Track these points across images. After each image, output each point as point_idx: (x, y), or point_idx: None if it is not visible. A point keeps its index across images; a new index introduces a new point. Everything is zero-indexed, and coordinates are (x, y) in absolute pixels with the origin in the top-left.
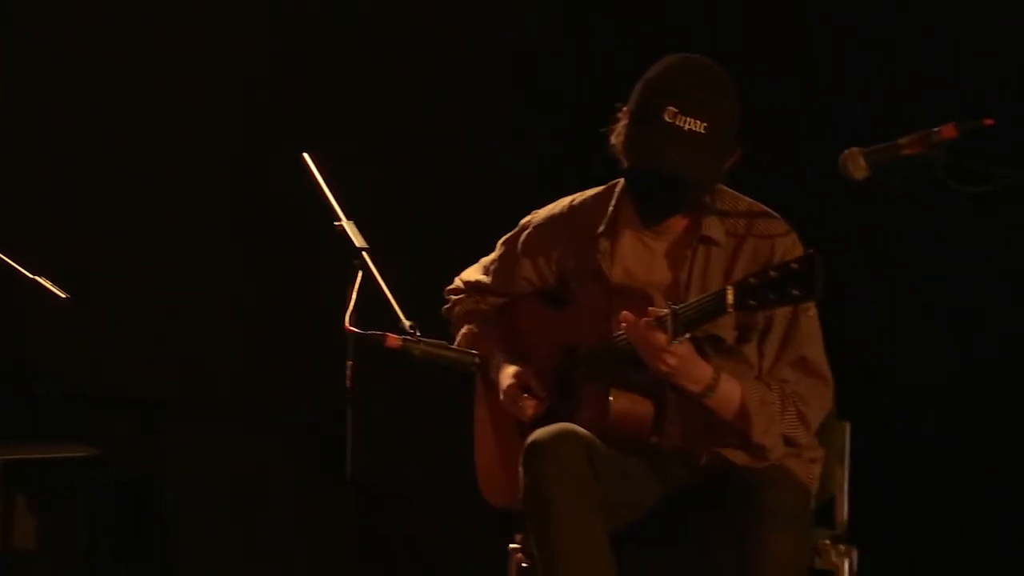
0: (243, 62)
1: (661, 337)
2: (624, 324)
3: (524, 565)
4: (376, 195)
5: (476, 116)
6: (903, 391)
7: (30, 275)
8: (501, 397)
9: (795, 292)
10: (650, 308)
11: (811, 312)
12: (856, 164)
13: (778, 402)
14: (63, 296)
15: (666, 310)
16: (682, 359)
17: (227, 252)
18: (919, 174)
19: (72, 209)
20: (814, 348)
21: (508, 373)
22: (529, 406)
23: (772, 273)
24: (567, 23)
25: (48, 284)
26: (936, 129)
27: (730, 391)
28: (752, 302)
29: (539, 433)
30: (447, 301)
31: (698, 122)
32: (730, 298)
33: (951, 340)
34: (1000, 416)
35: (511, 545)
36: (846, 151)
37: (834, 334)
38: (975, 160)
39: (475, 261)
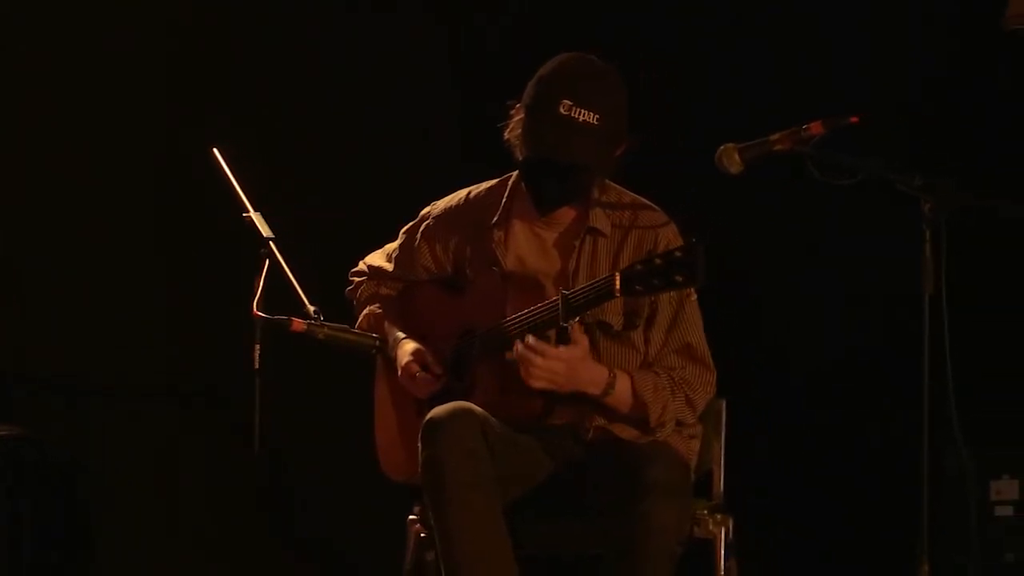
0: (157, 61)
1: (546, 350)
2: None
3: (422, 535)
4: (282, 187)
5: (377, 110)
6: (777, 371)
7: None
8: (399, 374)
9: (679, 278)
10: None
11: (692, 298)
12: (731, 159)
13: (668, 388)
14: None
15: (556, 297)
16: (570, 364)
17: (145, 242)
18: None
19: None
20: (697, 335)
21: (406, 351)
22: (426, 382)
23: (657, 260)
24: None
25: None
26: (805, 126)
27: (625, 387)
28: (638, 287)
29: (436, 411)
30: (351, 283)
31: (592, 114)
32: (617, 284)
33: (823, 323)
34: (864, 395)
35: (410, 517)
36: (721, 147)
37: (714, 318)
38: (841, 155)
39: (377, 249)
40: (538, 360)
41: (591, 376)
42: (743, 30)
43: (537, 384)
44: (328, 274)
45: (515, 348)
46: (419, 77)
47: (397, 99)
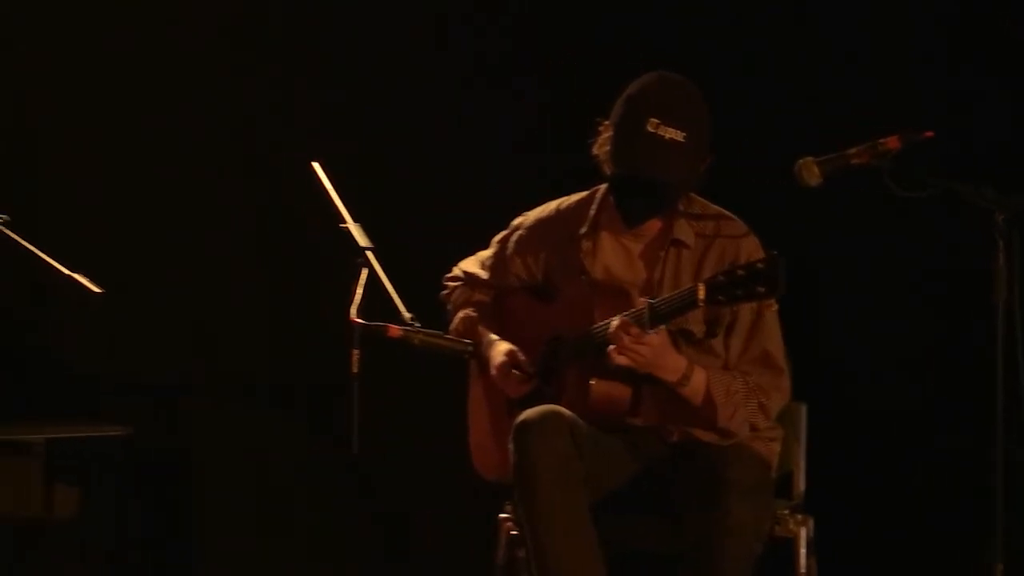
0: (263, 79)
1: (635, 331)
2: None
3: (513, 533)
4: (378, 198)
5: (469, 121)
6: (856, 376)
7: (67, 271)
8: (493, 372)
9: (760, 289)
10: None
11: (773, 308)
12: (810, 172)
13: (742, 392)
14: (97, 291)
15: (643, 304)
16: (655, 350)
17: (247, 251)
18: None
19: (104, 210)
20: (775, 342)
21: (500, 351)
22: (518, 381)
23: (740, 272)
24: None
25: (83, 280)
26: (882, 140)
27: (700, 381)
28: (721, 298)
29: (526, 413)
30: (445, 287)
31: (678, 131)
32: (701, 294)
33: (898, 330)
34: (939, 399)
35: (501, 515)
36: (800, 160)
37: (795, 326)
38: (916, 168)
39: (470, 256)
40: (626, 339)
41: (671, 364)
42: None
43: (620, 361)
44: (423, 282)
45: (606, 326)
46: (511, 92)
47: (487, 112)
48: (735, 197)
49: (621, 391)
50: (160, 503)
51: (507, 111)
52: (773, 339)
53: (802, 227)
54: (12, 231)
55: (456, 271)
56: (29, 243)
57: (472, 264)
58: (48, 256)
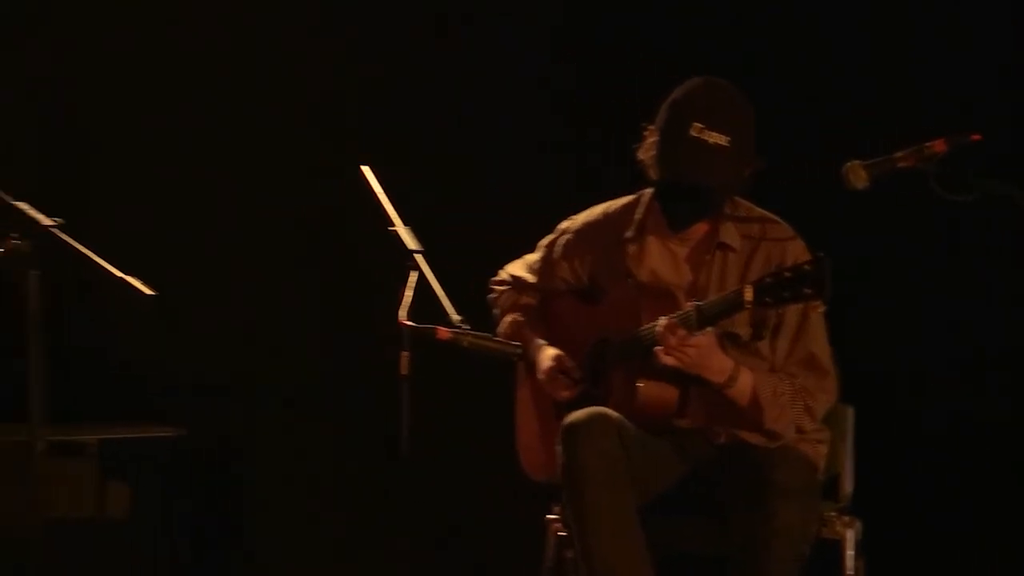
0: (311, 84)
1: (681, 332)
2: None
3: (561, 534)
4: (430, 203)
5: (517, 130)
6: (904, 379)
7: (119, 273)
8: (540, 376)
9: (807, 291)
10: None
11: (820, 310)
12: (857, 175)
13: (788, 394)
14: (149, 293)
15: (690, 307)
16: (702, 351)
17: (297, 254)
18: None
19: (156, 213)
20: (821, 345)
21: (547, 355)
22: (565, 384)
23: (786, 274)
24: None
25: (135, 282)
26: (928, 143)
27: (747, 383)
28: (768, 299)
29: (575, 415)
30: (492, 291)
31: (722, 136)
32: (748, 295)
33: (944, 332)
34: (988, 400)
35: (549, 516)
36: (848, 163)
37: (840, 329)
38: (963, 171)
39: (516, 259)
40: (673, 340)
41: (717, 365)
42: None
43: (667, 362)
44: (472, 285)
45: (655, 326)
46: (560, 98)
47: (536, 116)
48: (780, 200)
49: (668, 393)
50: (210, 504)
51: (556, 116)
52: (819, 341)
53: (848, 228)
54: (66, 234)
55: (503, 275)
56: (82, 246)
57: (519, 268)
58: (101, 259)
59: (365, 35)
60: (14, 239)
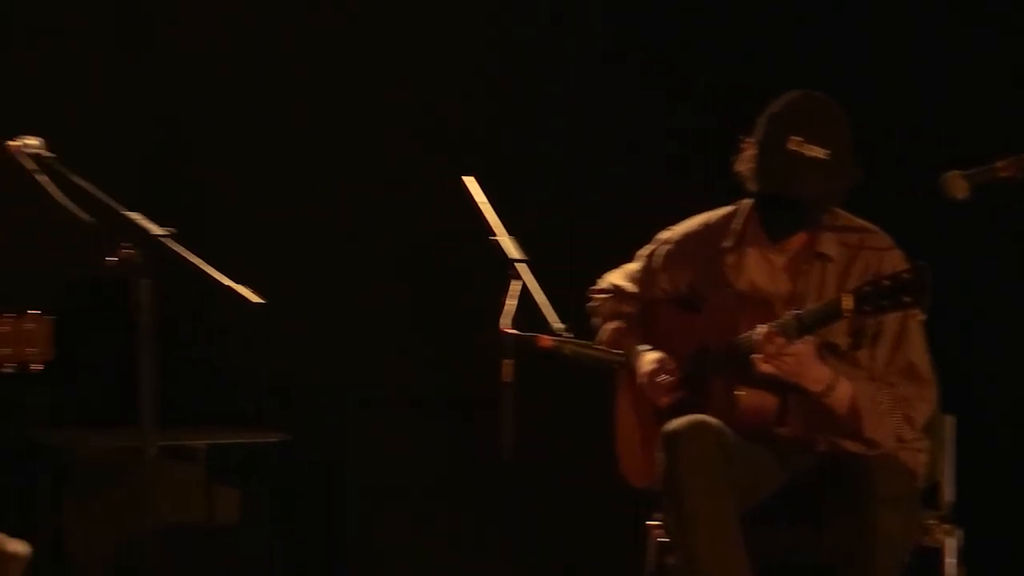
0: (416, 94)
1: (780, 340)
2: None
3: (662, 540)
4: (532, 213)
5: (614, 144)
6: (1004, 387)
7: (229, 282)
8: (641, 379)
9: (907, 299)
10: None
11: (919, 319)
12: (957, 185)
13: (887, 403)
14: (256, 301)
15: (789, 315)
16: (800, 359)
17: (401, 263)
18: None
19: (263, 223)
20: (921, 353)
21: (649, 358)
22: (666, 387)
23: (886, 282)
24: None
25: (244, 290)
26: None
27: (845, 392)
28: (867, 308)
29: (675, 423)
30: (592, 299)
31: (820, 149)
32: (848, 304)
33: None
34: None
35: (649, 522)
36: (947, 174)
37: (939, 337)
38: None
39: (615, 269)
40: (771, 348)
41: (815, 374)
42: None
43: (765, 370)
44: (575, 294)
45: (752, 335)
46: (659, 108)
47: (636, 127)
48: (879, 209)
49: (768, 401)
50: (316, 508)
51: (656, 128)
52: (918, 350)
53: (947, 237)
54: (177, 243)
55: (603, 284)
56: (192, 255)
57: (619, 277)
58: (210, 267)
59: (469, 45)
60: (126, 249)
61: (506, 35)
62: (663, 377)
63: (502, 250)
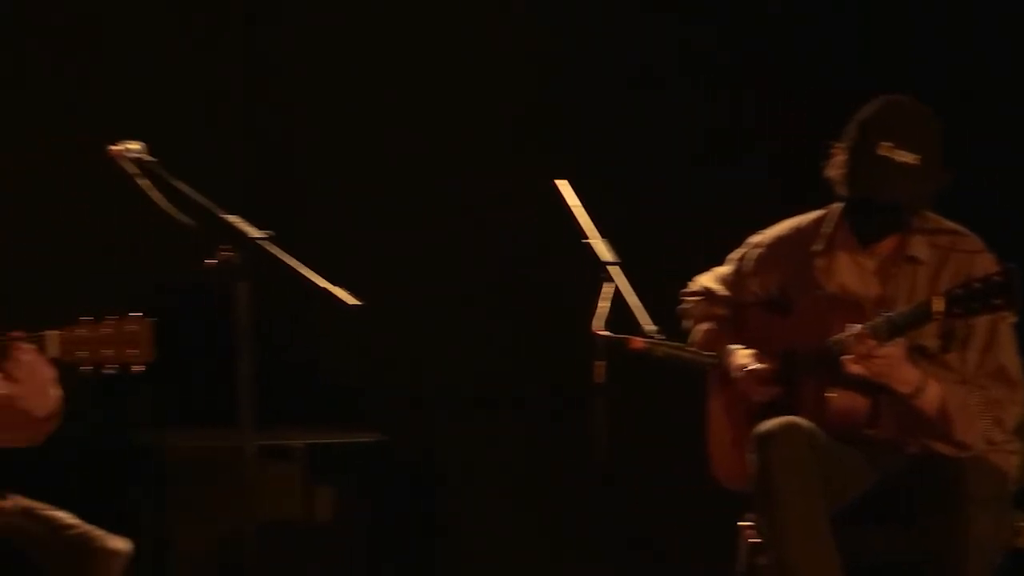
0: (509, 98)
1: (871, 342)
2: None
3: (753, 541)
4: (624, 216)
5: (704, 149)
6: None
7: (327, 284)
8: (736, 374)
9: (997, 302)
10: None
11: (1010, 321)
12: None
13: (977, 405)
14: (354, 303)
15: (880, 317)
16: (891, 361)
17: (495, 265)
18: None
19: (361, 226)
20: (1011, 356)
21: (743, 354)
22: (761, 382)
23: (976, 284)
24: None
25: (341, 293)
26: None
27: (935, 394)
28: (957, 310)
29: (767, 424)
30: (684, 302)
31: (910, 154)
32: (938, 306)
33: None
34: None
35: (741, 523)
36: None
37: None
38: None
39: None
40: (862, 350)
41: (905, 376)
42: None
43: (855, 371)
44: (668, 296)
45: (842, 337)
46: (750, 112)
47: (723, 131)
48: (969, 213)
49: (859, 403)
50: (411, 507)
51: (747, 132)
52: (1009, 353)
53: None
54: (275, 246)
55: (694, 286)
56: (290, 257)
57: (710, 280)
58: (308, 270)
59: (562, 50)
60: (225, 251)
61: (598, 40)
62: (757, 367)
63: (595, 253)
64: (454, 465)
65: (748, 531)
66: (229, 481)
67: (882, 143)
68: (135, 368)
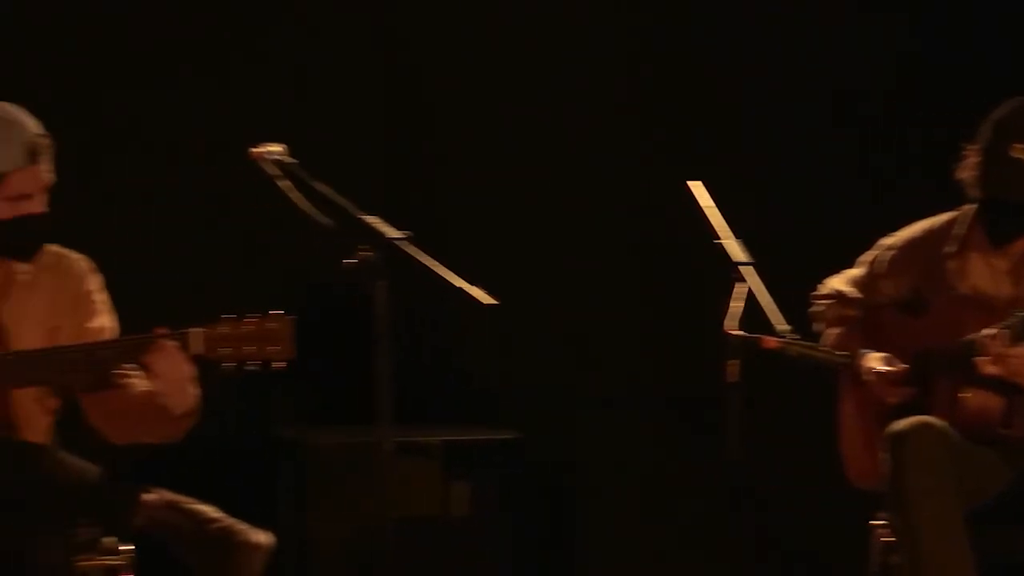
0: (644, 98)
1: (1005, 342)
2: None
3: (887, 540)
4: (757, 217)
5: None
6: None
7: (461, 283)
8: (868, 377)
9: None
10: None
11: None
12: None
13: None
14: (489, 301)
15: (1014, 317)
16: (1022, 359)
17: (628, 265)
18: None
19: (496, 226)
20: None
21: (875, 357)
22: (893, 383)
23: None
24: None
25: (477, 292)
26: None
27: None
28: None
29: (900, 424)
30: (815, 304)
31: None
32: None
33: None
34: None
35: (874, 522)
36: None
37: None
38: None
39: (836, 274)
40: (996, 349)
41: None
42: None
43: (990, 371)
44: (794, 295)
45: (977, 337)
46: (877, 116)
47: (852, 133)
48: None
49: (993, 403)
50: (546, 505)
51: (876, 136)
52: None
53: None
54: (412, 246)
55: (825, 289)
56: (427, 257)
57: (841, 282)
58: (444, 269)
59: (694, 52)
60: (364, 251)
61: (734, 41)
62: (890, 369)
63: (727, 253)
64: (588, 463)
65: (881, 530)
66: (367, 477)
67: (1016, 144)
68: (276, 365)
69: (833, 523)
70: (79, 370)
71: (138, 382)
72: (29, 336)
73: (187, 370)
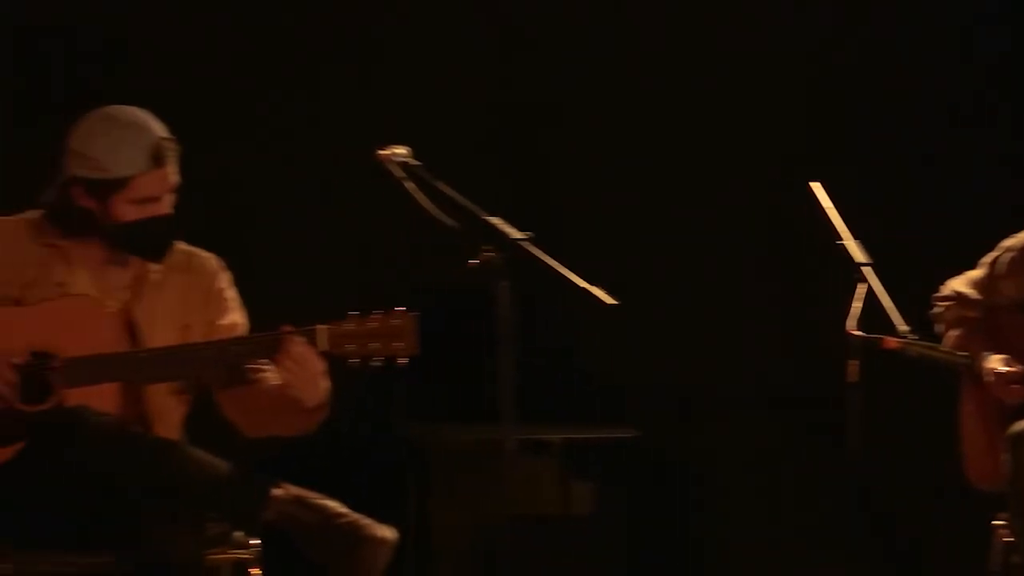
0: (765, 99)
1: None
2: None
3: (1007, 540)
4: (879, 219)
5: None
6: None
7: (583, 283)
8: (990, 378)
9: None
10: None
11: None
12: None
13: None
14: (610, 301)
15: None
16: None
17: (749, 265)
18: None
19: (617, 226)
20: None
21: (996, 359)
22: (1015, 381)
23: None
24: None
25: (598, 292)
26: None
27: None
28: None
29: (1021, 425)
30: (936, 305)
31: None
32: None
33: None
34: None
35: (995, 522)
36: None
37: None
38: None
39: (957, 275)
40: None
41: None
42: None
43: None
44: (915, 296)
45: None
46: (994, 115)
47: (975, 136)
48: None
49: None
50: (665, 504)
51: (1003, 136)
52: None
53: None
54: (535, 247)
55: (946, 290)
56: (549, 258)
57: (962, 284)
58: (566, 269)
59: (816, 54)
60: (487, 252)
61: (861, 42)
62: (1011, 369)
63: (848, 254)
64: (709, 462)
65: (1002, 531)
66: (489, 474)
67: None
68: (400, 361)
69: (954, 523)
70: (213, 366)
71: (271, 376)
72: (162, 334)
73: (317, 364)
